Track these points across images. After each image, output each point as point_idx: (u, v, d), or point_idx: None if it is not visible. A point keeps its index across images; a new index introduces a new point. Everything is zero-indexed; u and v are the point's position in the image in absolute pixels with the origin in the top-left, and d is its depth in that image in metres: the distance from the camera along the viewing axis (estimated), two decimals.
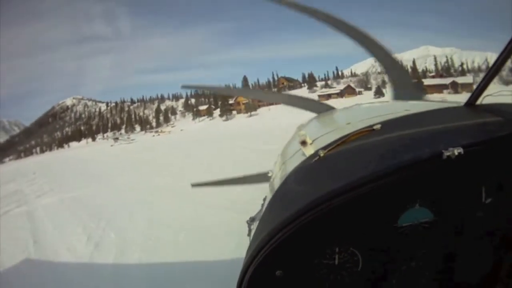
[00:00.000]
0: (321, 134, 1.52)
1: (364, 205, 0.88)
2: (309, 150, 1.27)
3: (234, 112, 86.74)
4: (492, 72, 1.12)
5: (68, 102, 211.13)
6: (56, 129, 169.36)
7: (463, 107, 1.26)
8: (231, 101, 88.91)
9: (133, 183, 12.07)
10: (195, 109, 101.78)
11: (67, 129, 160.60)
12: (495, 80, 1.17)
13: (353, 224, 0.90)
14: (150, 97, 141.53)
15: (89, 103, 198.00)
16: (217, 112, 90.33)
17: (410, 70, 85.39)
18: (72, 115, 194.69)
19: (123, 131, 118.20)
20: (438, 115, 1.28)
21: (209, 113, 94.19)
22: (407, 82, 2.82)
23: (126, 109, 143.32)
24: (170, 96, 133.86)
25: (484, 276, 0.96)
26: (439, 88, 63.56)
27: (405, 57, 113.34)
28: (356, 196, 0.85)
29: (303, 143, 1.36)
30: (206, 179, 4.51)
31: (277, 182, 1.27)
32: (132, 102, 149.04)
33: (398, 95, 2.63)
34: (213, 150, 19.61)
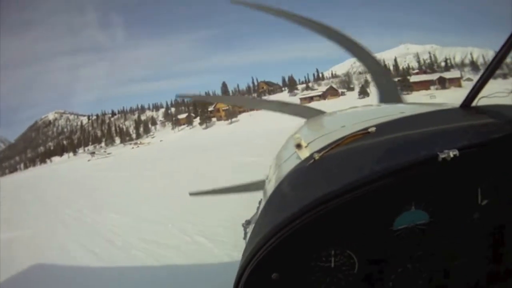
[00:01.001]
0: (316, 137, 1.46)
1: (360, 207, 0.86)
2: (304, 153, 1.23)
3: (214, 119, 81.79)
4: (487, 73, 1.07)
5: (51, 116, 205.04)
6: (39, 144, 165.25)
7: (458, 109, 1.22)
8: (210, 108, 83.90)
9: (77, 220, 9.82)
10: (174, 118, 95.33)
11: (50, 143, 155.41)
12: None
13: (349, 227, 0.88)
14: (131, 108, 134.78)
15: (71, 117, 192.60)
16: (197, 120, 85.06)
17: (392, 68, 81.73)
18: (55, 129, 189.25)
19: (103, 144, 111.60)
20: (433, 117, 1.22)
21: (188, 121, 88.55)
22: (392, 85, 2.83)
23: (107, 121, 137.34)
24: (151, 106, 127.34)
25: (481, 278, 0.94)
26: (426, 84, 59.77)
27: (385, 56, 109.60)
28: (351, 199, 0.83)
29: (298, 146, 1.34)
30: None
31: (272, 185, 1.22)
32: (113, 114, 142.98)
33: (383, 99, 2.64)
34: (187, 169, 16.30)
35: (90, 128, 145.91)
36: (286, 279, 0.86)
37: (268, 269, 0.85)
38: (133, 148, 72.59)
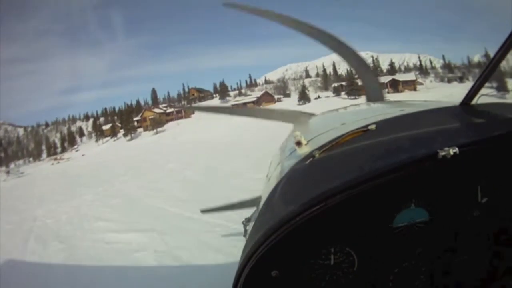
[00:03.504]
0: (316, 135, 1.38)
1: (360, 205, 0.80)
2: (304, 151, 1.16)
3: (141, 129, 66.21)
4: (487, 72, 1.01)
5: None
6: None
7: (458, 107, 1.15)
8: (136, 118, 68.35)
9: None
10: (99, 129, 77.35)
11: None
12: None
13: (348, 225, 0.82)
14: (63, 119, 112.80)
15: (9, 128, 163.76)
16: (122, 131, 68.17)
17: (331, 74, 71.99)
18: None
19: (31, 158, 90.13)
20: (433, 115, 1.15)
21: (113, 132, 71.05)
22: (376, 85, 2.76)
23: (41, 133, 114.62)
24: (82, 116, 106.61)
25: (481, 275, 0.89)
26: None
27: (319, 64, 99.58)
28: (351, 196, 0.77)
29: (298, 143, 1.26)
30: None
31: (272, 183, 1.14)
32: (47, 125, 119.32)
33: (370, 98, 2.58)
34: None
35: (25, 140, 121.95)
36: (285, 277, 0.80)
37: (268, 267, 0.80)
38: (53, 164, 57.67)
